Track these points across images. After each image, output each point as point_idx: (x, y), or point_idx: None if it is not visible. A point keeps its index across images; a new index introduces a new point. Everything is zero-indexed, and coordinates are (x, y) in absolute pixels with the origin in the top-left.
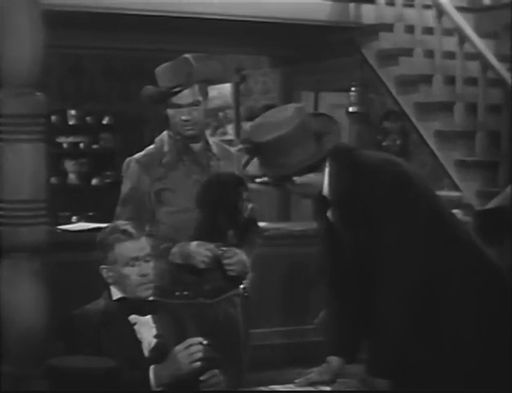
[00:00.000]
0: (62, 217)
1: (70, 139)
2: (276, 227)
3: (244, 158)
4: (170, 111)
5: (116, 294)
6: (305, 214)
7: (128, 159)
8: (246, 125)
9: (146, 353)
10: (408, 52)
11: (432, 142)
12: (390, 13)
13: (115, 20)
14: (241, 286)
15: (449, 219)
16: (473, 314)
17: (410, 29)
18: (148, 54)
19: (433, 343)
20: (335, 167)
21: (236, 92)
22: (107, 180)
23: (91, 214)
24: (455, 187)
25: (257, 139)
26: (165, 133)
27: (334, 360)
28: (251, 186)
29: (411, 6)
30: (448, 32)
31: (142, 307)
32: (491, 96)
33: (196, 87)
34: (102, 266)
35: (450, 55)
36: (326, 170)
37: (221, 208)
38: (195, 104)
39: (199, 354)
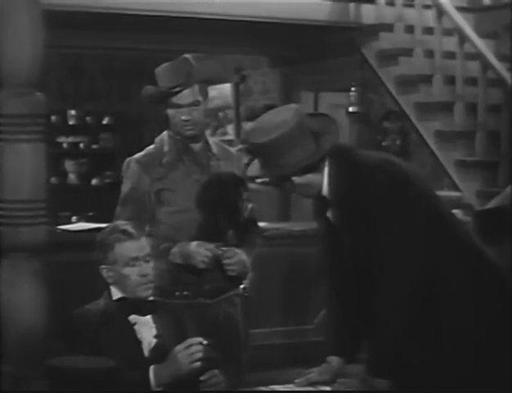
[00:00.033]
0: (62, 217)
1: (70, 139)
2: (276, 227)
3: (245, 159)
4: (170, 111)
5: (116, 294)
6: (305, 214)
7: (128, 159)
8: (246, 125)
9: (146, 353)
10: (408, 52)
11: (432, 142)
12: (390, 13)
13: (115, 20)
14: (241, 286)
15: (449, 219)
16: (473, 314)
17: (410, 29)
18: (148, 54)
19: (433, 343)
20: (334, 167)
21: (236, 92)
22: (107, 180)
23: (91, 214)
24: (455, 187)
25: (255, 141)
26: (165, 133)
27: (334, 360)
28: (251, 186)
29: (411, 6)
30: (448, 32)
31: (142, 307)
32: (492, 96)
33: (196, 87)
34: (102, 266)
35: (450, 55)
36: (325, 170)
37: (221, 208)
38: (195, 104)
39: (199, 354)
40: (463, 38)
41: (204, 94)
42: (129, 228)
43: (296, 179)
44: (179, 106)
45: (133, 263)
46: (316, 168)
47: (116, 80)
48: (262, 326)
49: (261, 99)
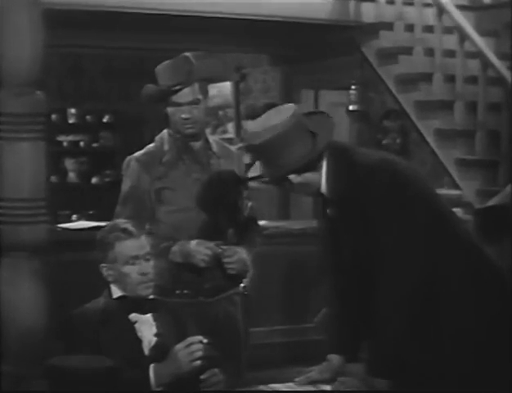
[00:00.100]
0: (62, 215)
1: (70, 138)
2: (276, 225)
3: (245, 157)
4: (170, 110)
5: (116, 292)
6: (305, 213)
7: (128, 157)
8: (246, 124)
9: (146, 351)
10: (408, 51)
11: (432, 141)
12: (390, 11)
13: (115, 20)
14: (241, 284)
15: (449, 218)
16: (473, 314)
17: (410, 27)
18: (148, 53)
19: (433, 343)
20: (332, 166)
21: (236, 91)
22: (107, 179)
23: (91, 212)
24: (456, 186)
25: (252, 142)
26: (165, 131)
27: (334, 358)
28: (251, 184)
29: (411, 4)
30: (448, 30)
31: (142, 305)
32: (492, 94)
33: (196, 85)
34: (102, 265)
35: (450, 53)
36: (323, 169)
37: (221, 206)
38: (195, 102)
39: (200, 353)
40: (463, 37)
41: (205, 92)
42: (129, 226)
43: (295, 178)
44: (179, 105)
45: (133, 261)
46: (314, 166)
47: (116, 79)
48: (263, 324)
49: (261, 97)
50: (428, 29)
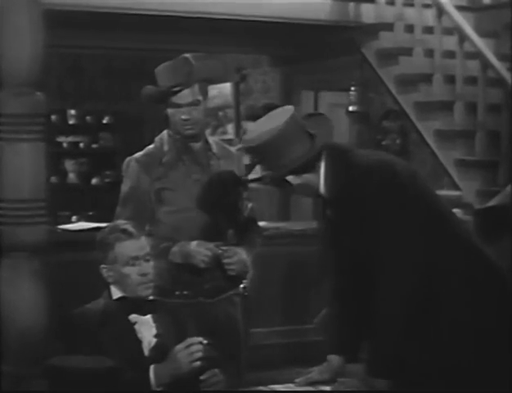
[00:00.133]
0: (62, 216)
1: (70, 139)
2: (276, 226)
3: (245, 158)
4: (170, 111)
5: (116, 293)
6: (305, 214)
7: (128, 158)
8: (246, 125)
9: (146, 352)
10: (408, 52)
11: (432, 142)
12: (390, 12)
13: (115, 20)
14: (241, 285)
15: (448, 218)
16: (473, 314)
17: (410, 28)
18: (148, 54)
19: (433, 343)
20: (330, 167)
21: (236, 92)
22: (107, 180)
23: (91, 213)
24: (455, 187)
25: (249, 144)
26: (165, 132)
27: (334, 359)
28: (251, 185)
29: (411, 5)
30: (448, 31)
31: (142, 306)
32: (491, 95)
33: (196, 86)
34: (102, 265)
35: (450, 54)
36: (322, 170)
37: (221, 207)
38: (195, 103)
39: (199, 354)
40: (463, 38)
41: (204, 93)
42: (129, 227)
43: (294, 179)
44: (179, 106)
45: (133, 262)
46: (312, 167)
47: (116, 80)
48: (262, 325)
49: (261, 98)
50: (428, 29)
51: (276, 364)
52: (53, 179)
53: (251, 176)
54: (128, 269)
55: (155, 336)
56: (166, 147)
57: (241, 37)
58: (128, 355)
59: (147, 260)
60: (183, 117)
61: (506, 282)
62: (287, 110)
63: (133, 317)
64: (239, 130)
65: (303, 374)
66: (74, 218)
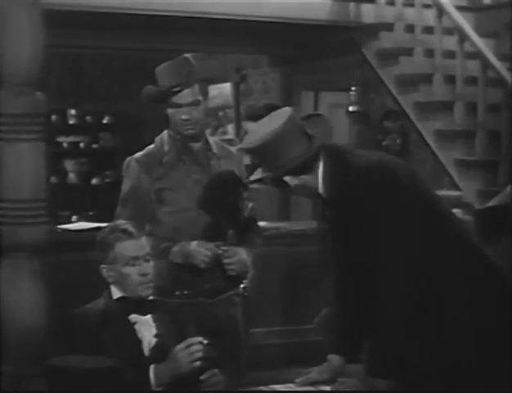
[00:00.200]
0: (62, 216)
1: (70, 139)
2: (276, 226)
3: (245, 158)
4: (170, 111)
5: (116, 293)
6: (305, 214)
7: (128, 158)
8: (246, 125)
9: (146, 352)
10: (408, 52)
11: (432, 142)
12: (390, 12)
13: (115, 20)
14: (241, 285)
15: (448, 218)
16: (473, 314)
17: (410, 28)
18: (148, 54)
19: (433, 343)
20: (328, 167)
21: (236, 92)
22: (107, 179)
23: (91, 213)
24: (455, 187)
25: (249, 146)
26: (165, 132)
27: (334, 359)
28: (251, 185)
29: (411, 5)
30: (448, 31)
31: (142, 306)
32: (491, 95)
33: (196, 86)
34: (102, 265)
35: (450, 54)
36: (320, 170)
37: (221, 207)
38: (195, 103)
39: (199, 354)
40: (463, 38)
41: (204, 93)
42: (129, 227)
43: (293, 180)
44: (179, 106)
45: (133, 262)
46: (310, 168)
47: (116, 80)
48: (263, 325)
49: (261, 98)
50: (428, 30)
51: (276, 364)
52: (53, 179)
53: (252, 177)
54: (128, 269)
55: (155, 336)
56: (166, 147)
57: (241, 37)
58: (128, 355)
59: (147, 260)
60: (183, 117)
61: (506, 282)
62: (285, 112)
63: (133, 317)
64: (239, 130)
65: (303, 374)
66: (74, 218)
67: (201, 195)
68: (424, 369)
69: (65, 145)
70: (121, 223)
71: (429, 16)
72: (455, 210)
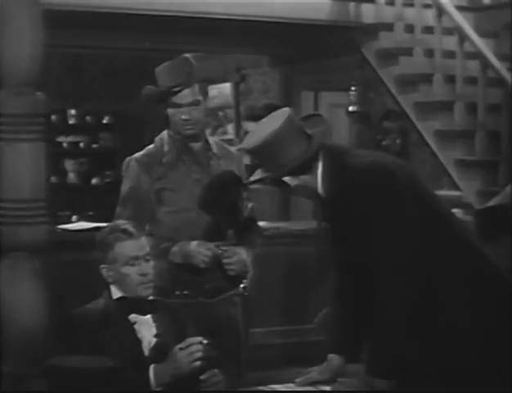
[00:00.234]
0: (62, 216)
1: (70, 138)
2: (276, 226)
3: (245, 158)
4: (170, 111)
5: (116, 293)
6: (305, 214)
7: (128, 158)
8: (246, 124)
9: (146, 352)
10: (408, 52)
11: (432, 142)
12: (390, 12)
13: (115, 20)
14: (241, 285)
15: (448, 219)
16: (473, 314)
17: (410, 28)
18: (148, 54)
19: (433, 343)
20: (327, 168)
21: (236, 92)
22: (107, 179)
23: (91, 213)
24: (455, 187)
25: (247, 147)
26: (165, 132)
27: (334, 359)
28: (251, 185)
29: (411, 5)
30: (448, 31)
31: (142, 306)
32: (491, 95)
33: (196, 86)
34: (102, 265)
35: (450, 54)
36: (319, 170)
37: (221, 207)
38: (195, 103)
39: (199, 354)
40: (463, 38)
41: (204, 93)
42: (129, 227)
43: (292, 181)
44: (179, 106)
45: (133, 262)
46: (309, 168)
47: (116, 80)
48: (262, 325)
49: (261, 98)
50: (428, 29)
51: (276, 364)
52: (53, 179)
53: (252, 177)
54: (127, 269)
55: (155, 335)
56: (166, 147)
57: (241, 37)
58: (128, 355)
59: (147, 260)
60: (183, 117)
61: (506, 282)
62: (283, 113)
63: (133, 317)
64: (239, 130)
65: (303, 374)
66: (73, 218)
67: (201, 195)
68: (424, 369)
69: (64, 145)
70: (121, 223)
71: (429, 16)
72: (455, 210)
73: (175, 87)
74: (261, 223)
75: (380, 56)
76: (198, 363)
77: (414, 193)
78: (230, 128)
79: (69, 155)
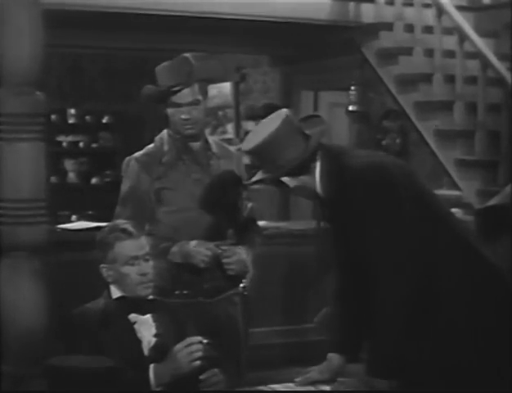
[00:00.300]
0: (62, 216)
1: (70, 138)
2: (276, 226)
3: (246, 159)
4: (170, 110)
5: (116, 293)
6: (305, 214)
7: (128, 158)
8: (246, 124)
9: (146, 352)
10: (408, 51)
11: (432, 141)
12: (390, 12)
13: (115, 20)
14: (241, 285)
15: (447, 218)
16: (473, 314)
17: (409, 28)
18: (148, 53)
19: (432, 343)
20: (325, 168)
21: (236, 91)
22: (107, 179)
23: (90, 213)
24: (455, 186)
25: (245, 148)
26: (165, 132)
27: (334, 358)
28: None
29: (411, 5)
30: (448, 31)
31: (142, 306)
32: (491, 95)
33: (196, 86)
34: (102, 265)
35: (450, 54)
36: (317, 171)
37: (220, 207)
38: (195, 103)
39: (199, 354)
40: (463, 37)
41: (204, 93)
42: (129, 226)
43: (291, 181)
44: (179, 105)
45: (133, 262)
46: (308, 168)
47: (116, 79)
48: (262, 325)
49: (261, 98)
50: (428, 29)
51: (276, 364)
52: (53, 179)
53: (252, 179)
54: (127, 269)
55: (155, 335)
56: (166, 147)
57: (241, 37)
58: (128, 355)
59: (147, 260)
60: (183, 117)
61: (506, 281)
62: (281, 114)
63: (133, 316)
64: (238, 130)
65: (303, 374)
66: (73, 217)
67: (202, 194)
68: (424, 369)
69: (64, 144)
70: (121, 222)
71: (429, 16)
72: (455, 210)
73: (175, 86)
74: (260, 223)
75: (380, 56)
76: (198, 362)
77: (413, 193)
78: (229, 127)
79: (69, 154)
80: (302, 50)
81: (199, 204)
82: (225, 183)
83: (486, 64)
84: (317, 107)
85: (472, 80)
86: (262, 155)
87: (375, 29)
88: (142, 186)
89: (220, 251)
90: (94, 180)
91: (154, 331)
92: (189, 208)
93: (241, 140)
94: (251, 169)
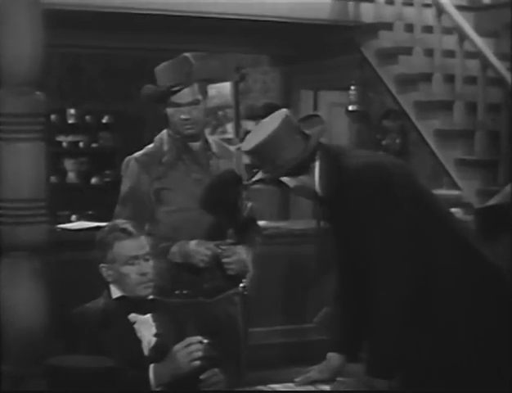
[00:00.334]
0: (62, 216)
1: (70, 138)
2: (276, 225)
3: (246, 159)
4: (170, 110)
5: (116, 293)
6: (305, 213)
7: (128, 158)
8: (246, 124)
9: (146, 352)
10: (408, 51)
11: (431, 141)
12: (389, 12)
13: (115, 20)
14: (241, 284)
15: (446, 218)
16: (472, 314)
17: (409, 27)
18: (148, 53)
19: (432, 342)
20: (323, 168)
21: (236, 91)
22: (107, 179)
23: (90, 212)
24: (455, 186)
25: (245, 148)
26: (165, 132)
27: (334, 357)
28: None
29: (411, 4)
30: (448, 30)
31: (142, 306)
32: (491, 95)
33: (196, 86)
34: (102, 265)
35: (449, 53)
36: (316, 170)
37: (220, 207)
38: (195, 103)
39: (199, 353)
40: (462, 37)
41: (204, 93)
42: (129, 226)
43: (291, 181)
44: (179, 105)
45: (133, 261)
46: (307, 168)
47: (116, 79)
48: (262, 325)
49: (261, 98)
50: (428, 29)
51: (276, 364)
52: (53, 179)
53: (254, 178)
54: (127, 269)
55: (155, 335)
56: (166, 147)
57: (241, 37)
58: (128, 355)
59: (147, 260)
60: (183, 116)
61: (505, 281)
62: (280, 114)
63: (133, 316)
64: (238, 129)
65: (303, 373)
66: (73, 217)
67: (202, 194)
68: (424, 369)
69: (64, 144)
70: (120, 222)
71: (429, 16)
72: (454, 210)
73: (174, 86)
74: (260, 223)
75: (380, 56)
76: (198, 362)
77: (412, 193)
78: (229, 127)
79: (69, 154)
80: (302, 50)
81: (199, 204)
82: (225, 183)
83: (486, 64)
84: (317, 107)
85: (472, 80)
86: (261, 155)
87: (374, 28)
88: (142, 186)
89: (220, 251)
90: (94, 180)
91: (154, 331)
92: (189, 208)
93: (241, 140)
94: (251, 169)
